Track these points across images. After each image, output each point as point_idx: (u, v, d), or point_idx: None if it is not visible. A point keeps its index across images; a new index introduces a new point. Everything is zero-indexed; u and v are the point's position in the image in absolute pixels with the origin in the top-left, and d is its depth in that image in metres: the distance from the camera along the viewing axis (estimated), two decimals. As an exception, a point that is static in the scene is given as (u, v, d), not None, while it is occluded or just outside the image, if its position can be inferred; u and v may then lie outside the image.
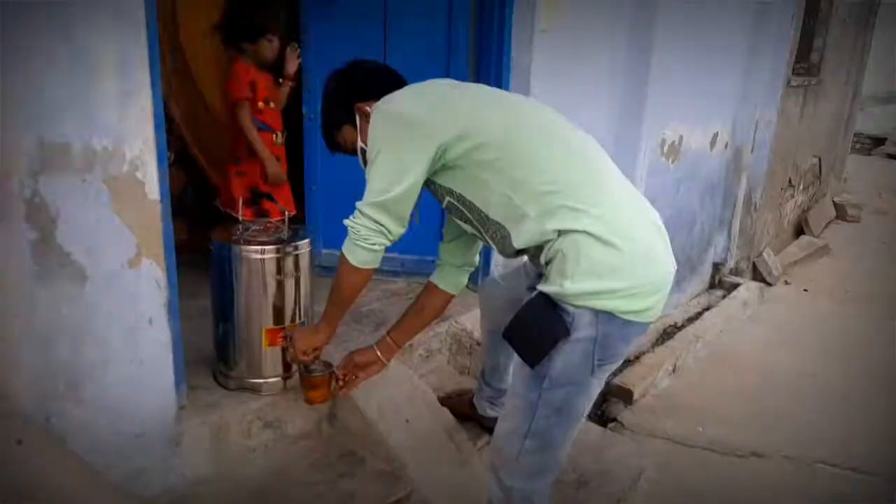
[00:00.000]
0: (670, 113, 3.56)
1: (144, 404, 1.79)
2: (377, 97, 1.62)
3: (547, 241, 1.51)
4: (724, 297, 4.63)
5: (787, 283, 5.26)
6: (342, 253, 1.67)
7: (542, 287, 1.52)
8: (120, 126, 1.56)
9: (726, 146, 4.38)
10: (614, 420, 3.14)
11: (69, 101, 1.47)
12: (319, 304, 2.65)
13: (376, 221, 1.57)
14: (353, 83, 1.72)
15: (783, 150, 5.25)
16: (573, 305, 1.48)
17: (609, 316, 1.48)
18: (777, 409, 3.27)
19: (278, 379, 2.14)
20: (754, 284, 4.86)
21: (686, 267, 4.36)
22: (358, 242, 1.61)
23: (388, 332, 2.01)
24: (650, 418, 3.15)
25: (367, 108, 1.64)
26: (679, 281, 4.29)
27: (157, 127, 1.65)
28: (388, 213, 1.56)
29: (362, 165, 1.70)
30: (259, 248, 2.00)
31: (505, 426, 1.68)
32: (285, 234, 2.09)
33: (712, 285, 4.85)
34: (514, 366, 1.66)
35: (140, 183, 1.63)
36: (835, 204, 7.26)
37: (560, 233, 1.48)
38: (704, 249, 4.56)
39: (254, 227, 2.13)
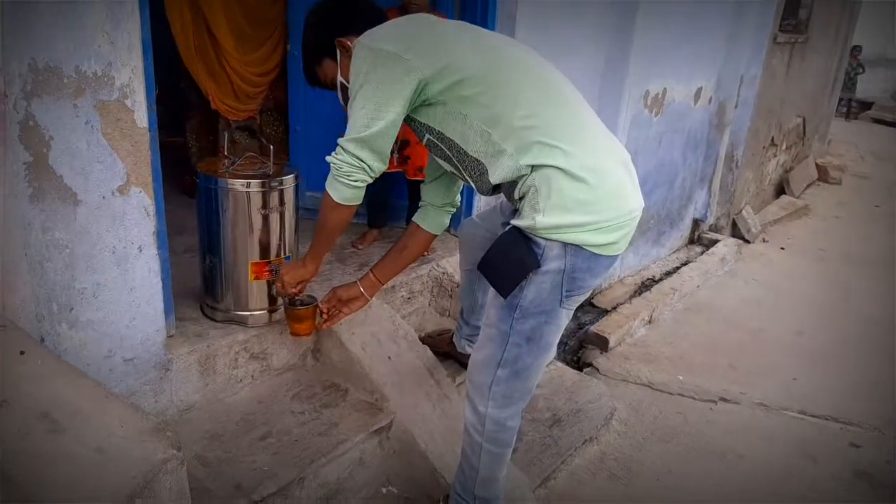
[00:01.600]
0: (654, 66, 3.58)
1: (135, 330, 1.85)
2: (358, 32, 1.63)
3: (521, 177, 1.56)
4: (702, 252, 4.73)
5: (765, 241, 5.36)
6: (325, 190, 1.69)
7: (515, 221, 1.58)
8: (110, 53, 1.58)
9: (710, 101, 4.42)
10: (590, 365, 3.24)
11: (60, 26, 1.49)
12: (304, 242, 2.71)
13: (357, 157, 1.60)
14: (334, 17, 1.73)
15: (767, 108, 5.30)
16: (543, 238, 1.54)
17: (577, 248, 1.55)
18: (751, 361, 3.39)
19: (264, 312, 2.20)
20: (733, 241, 4.96)
21: (666, 221, 4.44)
22: (340, 178, 1.63)
23: (372, 269, 2.06)
24: (625, 365, 3.26)
25: (349, 43, 1.66)
26: (658, 235, 4.39)
27: (145, 55, 1.67)
28: (369, 148, 1.59)
29: (342, 101, 1.73)
30: (245, 181, 2.03)
31: (479, 356, 1.75)
32: (270, 169, 2.13)
33: (691, 241, 4.94)
34: (489, 297, 1.72)
35: (129, 111, 1.66)
36: (817, 165, 7.35)
37: (533, 168, 1.53)
38: (685, 205, 4.63)
39: (240, 161, 2.16)
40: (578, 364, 3.30)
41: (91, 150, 1.61)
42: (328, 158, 1.65)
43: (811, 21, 5.77)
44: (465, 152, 1.62)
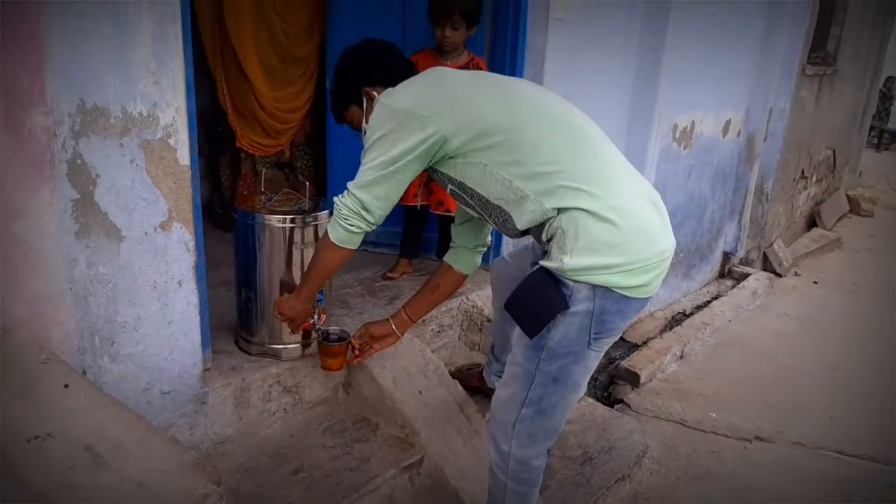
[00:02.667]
0: (683, 99, 3.60)
1: (173, 363, 1.87)
2: (385, 83, 1.67)
3: (548, 219, 1.56)
4: (733, 286, 4.67)
5: (797, 274, 5.29)
6: (326, 230, 1.72)
7: (544, 262, 1.57)
8: (155, 93, 1.63)
9: (739, 134, 4.41)
10: (621, 401, 3.20)
11: (109, 68, 1.54)
12: (335, 278, 2.74)
13: (360, 202, 1.61)
14: (363, 66, 1.77)
15: (796, 141, 5.27)
16: (572, 280, 1.53)
17: (606, 290, 1.53)
18: (786, 398, 3.32)
19: (297, 345, 2.22)
20: (764, 275, 4.90)
21: (696, 255, 4.41)
22: (338, 220, 1.66)
23: (404, 307, 2.07)
24: (656, 401, 3.21)
25: (374, 94, 1.69)
26: (688, 269, 4.36)
27: (188, 95, 1.72)
28: (373, 196, 1.61)
29: (364, 145, 1.75)
30: (282, 217, 2.07)
31: (503, 393, 1.74)
32: (306, 205, 2.16)
33: (722, 274, 4.89)
34: (514, 336, 1.71)
35: (172, 149, 1.71)
36: (848, 197, 7.26)
37: (560, 210, 1.53)
38: (715, 238, 4.60)
39: (276, 198, 2.20)
40: (609, 400, 3.26)
41: (135, 187, 1.66)
42: (334, 199, 1.68)
43: (840, 53, 5.75)
44: (487, 200, 1.63)
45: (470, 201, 1.67)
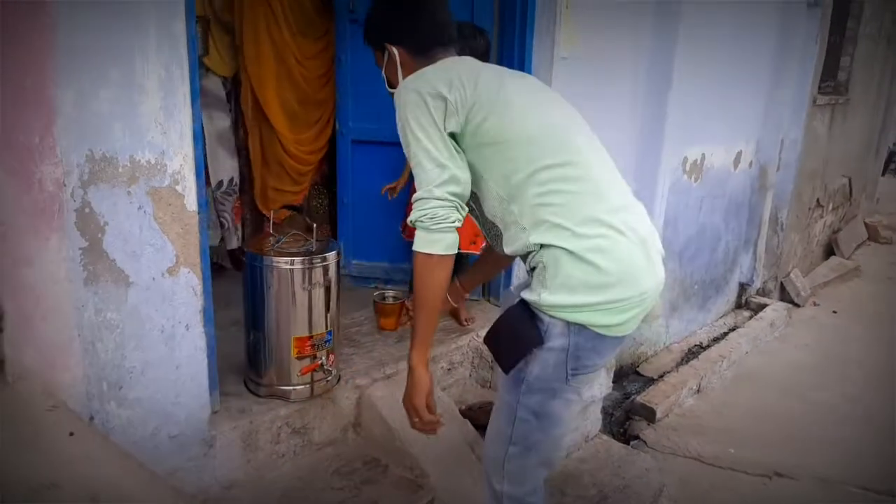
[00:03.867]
0: (692, 132, 3.60)
1: (180, 407, 1.88)
2: (409, 44, 1.64)
3: (530, 252, 1.56)
4: (750, 317, 4.62)
5: (815, 304, 5.21)
6: (419, 254, 1.52)
7: (524, 294, 1.57)
8: (163, 142, 1.67)
9: (751, 165, 4.40)
10: (637, 437, 3.16)
11: (117, 118, 1.58)
12: (346, 313, 2.74)
13: (451, 193, 1.51)
14: (390, 21, 1.68)
15: (810, 170, 5.24)
16: (548, 315, 1.53)
17: (581, 328, 1.52)
18: (807, 432, 3.25)
19: (306, 386, 2.22)
20: (782, 305, 4.83)
21: (711, 287, 4.37)
22: (437, 227, 1.49)
23: (457, 278, 1.99)
24: (673, 437, 3.16)
25: (394, 51, 1.65)
26: (704, 301, 4.32)
27: (195, 143, 1.75)
28: (455, 182, 1.51)
29: (388, 90, 1.70)
30: (289, 258, 2.09)
31: (491, 428, 1.73)
32: (314, 246, 2.18)
33: (739, 305, 4.84)
34: (499, 370, 1.69)
35: (180, 195, 1.74)
36: (866, 225, 7.18)
37: (542, 246, 1.53)
38: (730, 269, 4.56)
39: (284, 239, 2.22)
40: (625, 436, 3.21)
41: (143, 234, 1.68)
42: (411, 218, 1.54)
43: (851, 81, 5.74)
44: (482, 211, 1.63)
45: (471, 203, 1.64)
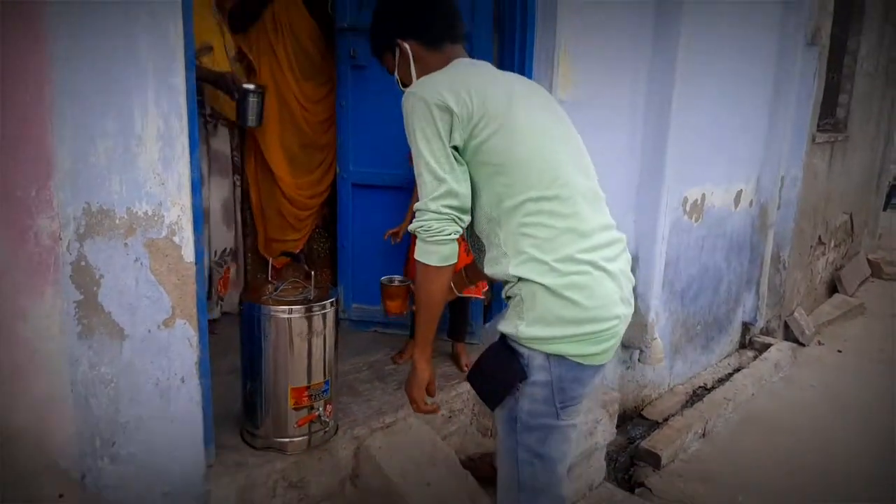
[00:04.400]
0: (691, 172, 3.60)
1: (175, 462, 1.83)
2: (419, 37, 1.62)
3: (508, 282, 1.58)
4: (755, 357, 4.56)
5: (820, 343, 5.16)
6: (419, 263, 1.57)
7: (501, 326, 1.59)
8: (160, 193, 1.66)
9: (751, 204, 4.39)
10: (641, 485, 3.09)
11: (115, 170, 1.57)
12: (344, 360, 2.71)
13: (447, 206, 1.52)
14: (398, 16, 1.67)
15: (811, 207, 5.24)
16: (527, 347, 1.55)
17: (560, 359, 1.54)
18: (816, 476, 3.18)
19: (304, 438, 2.17)
20: (786, 345, 4.78)
21: (714, 327, 4.33)
22: (433, 238, 1.53)
23: (464, 269, 1.95)
24: (679, 484, 3.09)
25: (406, 47, 1.64)
26: (707, 341, 4.27)
27: (194, 193, 1.74)
28: (451, 195, 1.52)
29: (401, 89, 1.67)
30: (287, 307, 2.06)
31: (500, 474, 1.72)
32: (312, 294, 2.16)
33: (743, 345, 4.79)
34: (496, 413, 1.68)
35: (177, 246, 1.72)
36: (869, 261, 7.15)
37: (520, 279, 1.54)
38: (732, 308, 4.52)
39: (283, 286, 2.19)
40: (630, 483, 3.14)
41: (139, 286, 1.66)
42: (412, 227, 1.57)
43: (850, 118, 5.77)
44: (472, 223, 1.62)
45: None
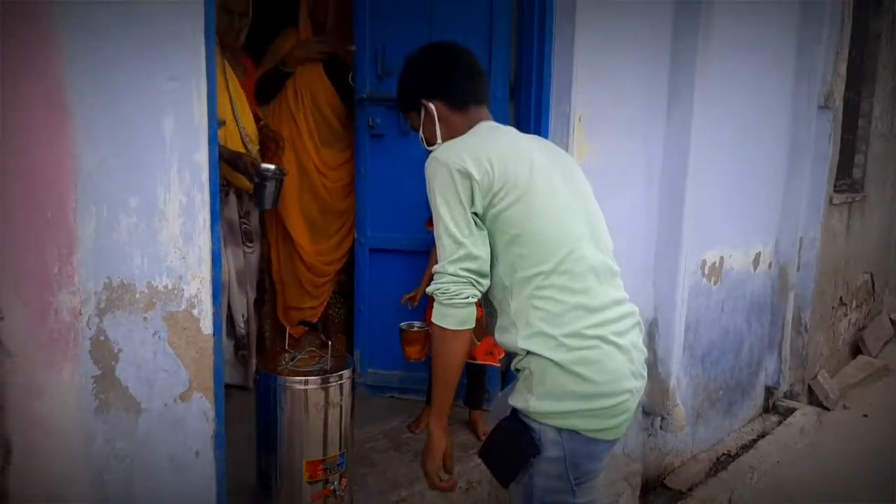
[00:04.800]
0: (709, 235, 3.59)
1: (187, 538, 1.79)
2: (444, 96, 1.65)
3: (517, 354, 1.57)
4: (779, 422, 4.45)
5: (845, 407, 5.03)
6: (434, 326, 1.57)
7: (512, 399, 1.58)
8: (181, 267, 1.67)
9: (770, 266, 4.35)
10: (666, 559, 2.98)
11: (137, 245, 1.59)
12: (360, 428, 2.66)
13: (465, 269, 1.52)
14: (422, 78, 1.70)
15: (831, 268, 5.18)
16: (538, 422, 1.53)
17: (572, 433, 1.52)
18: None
19: (319, 511, 2.12)
20: (811, 409, 4.67)
21: (736, 391, 4.24)
22: (450, 302, 1.52)
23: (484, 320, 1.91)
24: (705, 557, 2.98)
25: (431, 107, 1.66)
26: (729, 405, 4.18)
27: (214, 265, 1.75)
28: (470, 259, 1.52)
29: (426, 148, 1.70)
30: (303, 378, 2.04)
31: None
32: (329, 364, 2.14)
33: (766, 410, 4.67)
34: (510, 492, 1.65)
35: (196, 319, 1.72)
36: (892, 321, 7.02)
37: (529, 352, 1.53)
38: (755, 372, 4.43)
39: (300, 356, 2.18)
40: (654, 558, 3.03)
41: (157, 359, 1.66)
42: (429, 289, 1.57)
43: (866, 178, 5.77)
44: (487, 290, 1.62)
45: None
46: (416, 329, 2.51)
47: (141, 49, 1.55)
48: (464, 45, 1.75)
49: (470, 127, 1.65)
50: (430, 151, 1.66)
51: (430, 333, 2.23)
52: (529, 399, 1.53)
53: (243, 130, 2.90)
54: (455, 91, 1.67)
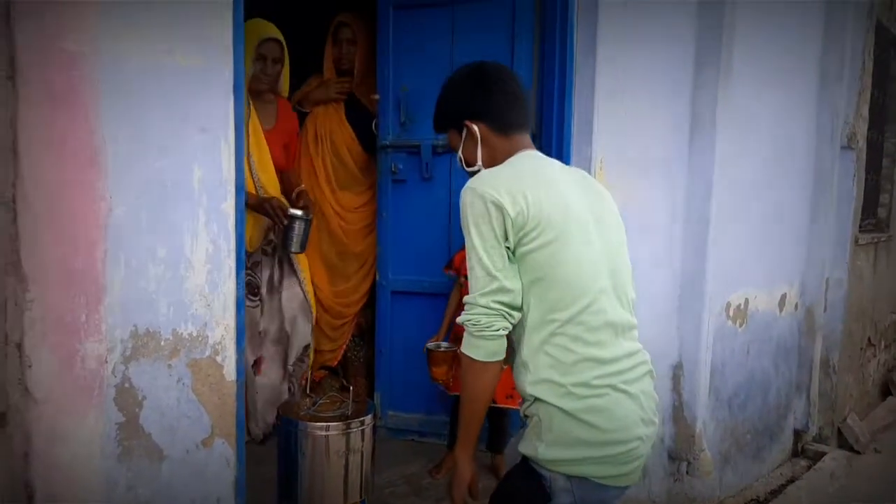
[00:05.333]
0: (734, 277, 3.54)
1: (206, 587, 1.78)
2: (487, 118, 1.62)
3: (525, 400, 1.54)
4: (808, 467, 4.32)
5: (876, 451, 4.88)
6: (464, 357, 1.55)
7: (521, 447, 1.55)
8: (206, 314, 1.69)
9: (796, 307, 4.29)
10: None
11: (163, 294, 1.62)
12: (379, 475, 2.64)
13: (497, 301, 1.50)
14: (465, 99, 1.66)
15: (858, 309, 5.09)
16: (548, 470, 1.51)
17: (582, 480, 1.49)
18: None
19: (339, 559, 2.10)
20: (841, 453, 4.54)
21: (764, 435, 4.14)
22: (481, 333, 1.51)
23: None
24: None
25: (474, 128, 1.63)
26: (758, 450, 4.08)
27: (238, 312, 1.77)
28: (503, 292, 1.50)
29: (464, 169, 1.69)
30: (324, 424, 2.04)
31: None
32: (350, 409, 2.14)
33: (795, 454, 4.55)
34: None
35: (219, 366, 1.73)
36: (923, 362, 6.86)
37: (537, 399, 1.51)
38: (783, 416, 4.34)
39: (322, 401, 2.18)
40: None
41: (180, 406, 1.67)
42: (460, 319, 1.56)
43: (892, 218, 5.70)
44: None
45: None
46: (443, 349, 2.55)
47: (172, 100, 1.60)
48: (510, 69, 1.73)
49: (511, 153, 1.63)
50: (467, 172, 1.66)
51: (456, 354, 2.23)
52: (539, 446, 1.50)
53: (258, 181, 2.88)
54: (500, 115, 1.63)
